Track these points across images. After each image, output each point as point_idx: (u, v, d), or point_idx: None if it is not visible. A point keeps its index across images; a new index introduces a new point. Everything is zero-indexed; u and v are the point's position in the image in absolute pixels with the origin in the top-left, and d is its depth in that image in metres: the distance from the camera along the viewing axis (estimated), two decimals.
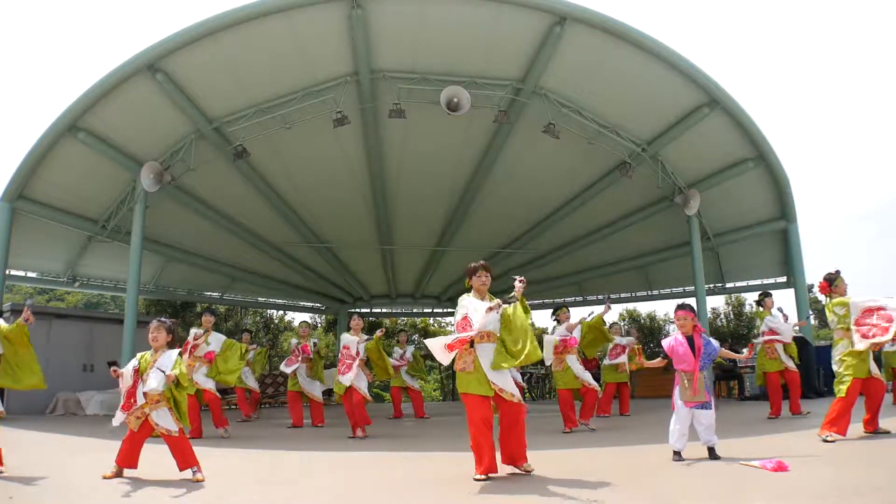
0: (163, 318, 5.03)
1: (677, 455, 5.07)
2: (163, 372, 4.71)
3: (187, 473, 4.67)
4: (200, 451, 6.44)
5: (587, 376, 8.14)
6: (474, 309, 4.60)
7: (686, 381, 5.12)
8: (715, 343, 5.31)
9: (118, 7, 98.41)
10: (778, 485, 4.00)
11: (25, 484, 4.47)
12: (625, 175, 11.84)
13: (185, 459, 4.71)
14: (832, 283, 6.29)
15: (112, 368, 4.93)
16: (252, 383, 11.39)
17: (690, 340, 5.22)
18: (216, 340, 8.41)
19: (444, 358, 4.57)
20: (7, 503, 3.84)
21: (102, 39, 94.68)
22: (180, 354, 4.90)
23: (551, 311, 8.72)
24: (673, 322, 20.48)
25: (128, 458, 4.78)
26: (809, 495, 3.71)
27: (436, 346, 4.57)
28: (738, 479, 4.24)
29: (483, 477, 4.36)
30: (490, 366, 4.57)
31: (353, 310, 20.63)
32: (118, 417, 4.83)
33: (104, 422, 10.29)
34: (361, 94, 10.78)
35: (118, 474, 4.73)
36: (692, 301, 13.24)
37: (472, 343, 4.65)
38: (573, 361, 8.11)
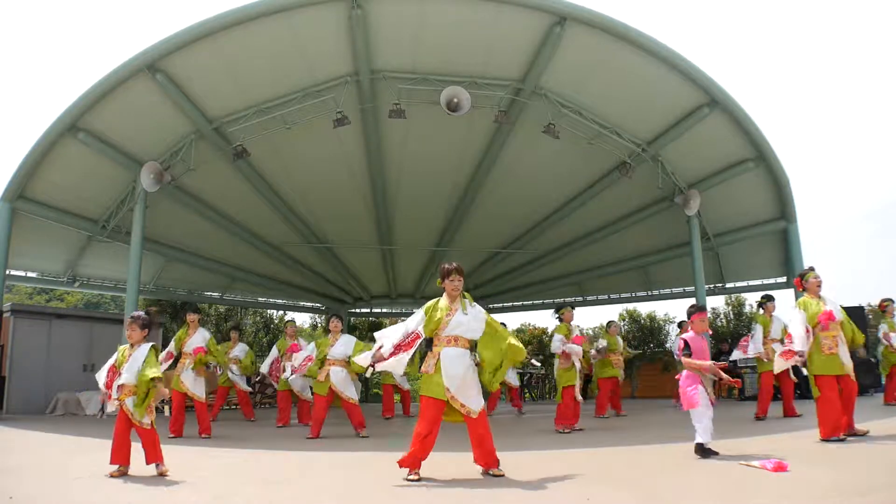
0: (136, 314, 5.07)
1: (709, 451, 5.15)
2: (135, 364, 4.86)
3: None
4: (200, 451, 6.47)
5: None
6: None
7: (706, 378, 5.29)
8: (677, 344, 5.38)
9: (118, 7, 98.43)
10: (778, 485, 4.00)
11: (26, 484, 4.46)
12: (625, 175, 11.84)
13: (152, 453, 4.79)
14: (802, 278, 6.33)
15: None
16: (243, 384, 11.14)
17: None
18: (201, 338, 8.28)
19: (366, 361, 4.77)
20: (7, 503, 3.84)
21: (102, 39, 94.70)
22: (153, 348, 5.01)
23: (553, 310, 8.69)
24: (672, 322, 20.23)
25: (117, 455, 4.80)
26: (809, 495, 3.71)
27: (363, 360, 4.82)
28: (738, 479, 4.24)
29: (416, 477, 4.40)
30: (456, 372, 4.57)
31: (352, 310, 20.66)
32: (102, 374, 5.02)
33: (104, 422, 10.30)
34: (361, 94, 10.78)
35: (123, 473, 4.75)
36: (692, 301, 13.24)
37: (428, 344, 4.74)
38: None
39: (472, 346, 4.79)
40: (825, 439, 5.74)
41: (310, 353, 8.46)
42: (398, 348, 4.69)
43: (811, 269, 6.38)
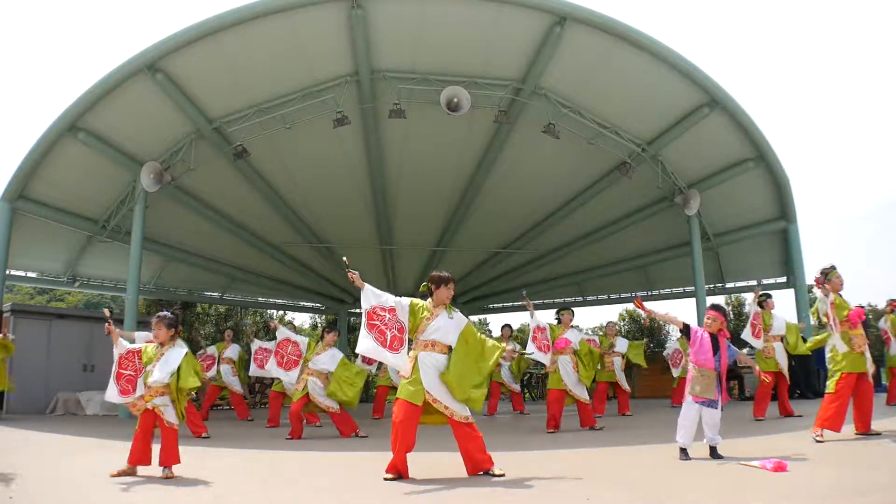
0: (163, 313, 5.06)
1: (683, 453, 5.02)
2: (169, 365, 4.80)
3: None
4: (200, 451, 6.46)
5: (580, 389, 8.10)
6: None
7: (700, 376, 5.09)
8: (734, 348, 5.30)
9: (118, 7, 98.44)
10: (778, 485, 4.00)
11: (25, 484, 4.46)
12: (625, 175, 11.84)
13: (169, 455, 4.76)
14: (826, 276, 6.27)
15: (108, 323, 5.05)
16: (236, 386, 10.93)
17: (714, 339, 5.21)
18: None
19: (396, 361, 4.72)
20: (7, 503, 3.84)
21: (102, 39, 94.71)
22: (189, 354, 4.97)
23: (555, 311, 8.72)
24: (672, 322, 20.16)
25: (140, 455, 4.81)
26: (809, 495, 3.71)
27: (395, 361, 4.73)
28: (738, 479, 4.24)
29: (391, 476, 4.43)
30: (434, 376, 4.57)
31: (352, 310, 20.65)
32: (112, 394, 4.90)
33: (104, 422, 10.31)
34: (361, 94, 10.78)
35: (129, 472, 4.75)
36: (692, 301, 13.25)
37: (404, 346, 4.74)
38: (565, 364, 8.07)
39: (450, 350, 4.78)
40: (818, 431, 5.81)
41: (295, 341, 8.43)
42: (392, 340, 4.67)
43: (833, 266, 6.25)
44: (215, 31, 9.42)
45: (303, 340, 8.47)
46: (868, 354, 6.01)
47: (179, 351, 4.90)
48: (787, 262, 13.80)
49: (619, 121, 11.58)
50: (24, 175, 10.94)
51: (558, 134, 10.75)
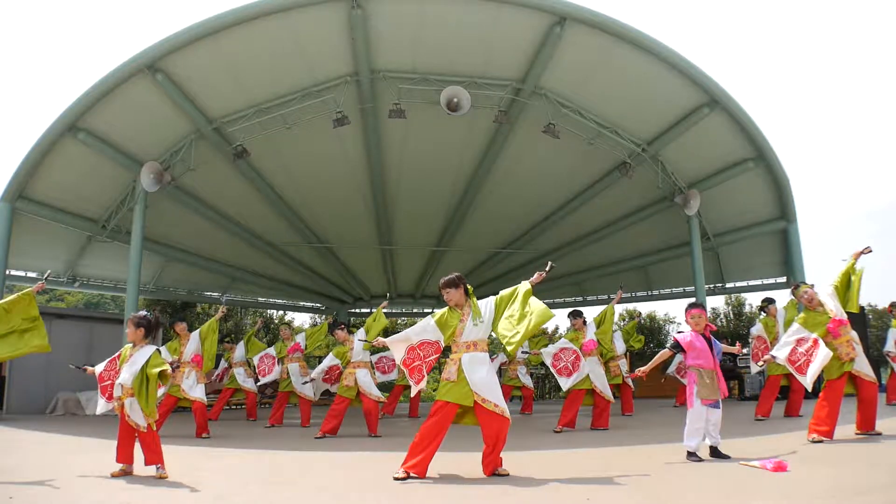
0: (136, 314, 5.08)
1: (693, 455, 4.97)
2: (134, 366, 4.82)
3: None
4: (201, 451, 6.46)
5: (604, 385, 8.14)
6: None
7: (706, 379, 5.05)
8: (718, 342, 5.33)
9: (118, 7, 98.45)
10: (778, 485, 4.00)
11: (25, 484, 4.46)
12: (625, 175, 11.84)
13: (152, 455, 4.76)
14: (793, 292, 6.35)
15: (83, 367, 5.26)
16: (250, 386, 11.06)
17: (705, 338, 5.21)
18: (194, 340, 8.19)
19: (399, 355, 4.78)
20: (7, 503, 3.84)
21: (102, 39, 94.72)
22: (157, 351, 4.97)
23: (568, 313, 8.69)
24: (672, 322, 20.14)
25: (123, 454, 4.83)
26: (809, 495, 3.71)
27: (399, 347, 4.79)
28: (738, 479, 4.24)
29: (404, 475, 4.39)
30: (482, 375, 4.56)
31: (352, 309, 20.67)
32: (100, 405, 5.12)
33: (104, 422, 10.30)
34: (361, 94, 10.79)
35: (127, 472, 4.76)
36: (692, 301, 13.25)
37: (445, 350, 4.75)
38: (593, 365, 8.08)
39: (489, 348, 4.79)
40: (812, 436, 5.82)
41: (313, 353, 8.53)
42: (419, 361, 4.75)
43: (798, 284, 6.40)
44: (215, 31, 9.43)
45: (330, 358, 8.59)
46: (860, 359, 5.89)
47: (146, 351, 4.90)
48: (787, 262, 13.80)
49: (619, 121, 11.58)
50: (24, 175, 10.94)
51: (558, 134, 10.75)
